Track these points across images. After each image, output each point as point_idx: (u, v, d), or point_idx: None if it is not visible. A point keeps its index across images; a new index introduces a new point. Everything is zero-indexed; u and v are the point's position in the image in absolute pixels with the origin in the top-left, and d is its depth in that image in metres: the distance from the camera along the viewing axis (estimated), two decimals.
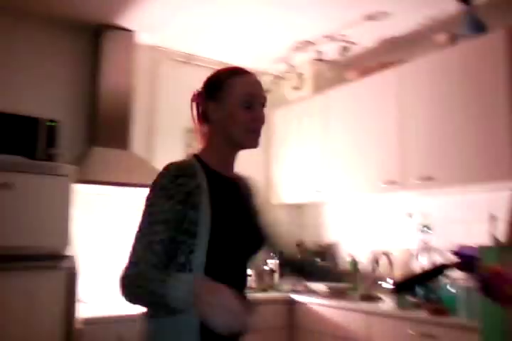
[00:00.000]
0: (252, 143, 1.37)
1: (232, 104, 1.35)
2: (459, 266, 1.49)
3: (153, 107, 3.52)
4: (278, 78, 3.97)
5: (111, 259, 3.12)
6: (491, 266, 1.41)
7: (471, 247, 1.54)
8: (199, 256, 1.24)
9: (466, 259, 1.49)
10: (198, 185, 1.28)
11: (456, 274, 1.64)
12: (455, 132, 2.61)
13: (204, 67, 3.74)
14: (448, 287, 2.48)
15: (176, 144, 3.58)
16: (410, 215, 3.13)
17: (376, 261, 3.14)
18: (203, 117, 1.43)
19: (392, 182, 2.90)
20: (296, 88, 3.80)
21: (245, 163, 3.94)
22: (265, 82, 3.81)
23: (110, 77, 3.12)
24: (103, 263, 3.10)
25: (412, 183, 2.79)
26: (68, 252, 2.35)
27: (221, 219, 1.27)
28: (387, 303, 2.62)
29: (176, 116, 3.59)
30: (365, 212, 3.51)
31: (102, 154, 2.92)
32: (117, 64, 3.16)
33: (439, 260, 2.70)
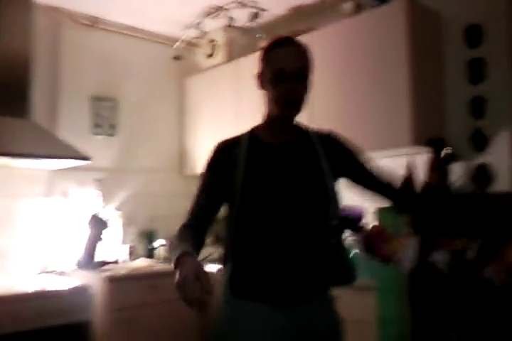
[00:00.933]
0: (287, 114, 1.45)
1: (267, 79, 1.44)
2: (344, 225, 1.54)
3: (56, 73, 3.31)
4: (190, 45, 3.87)
5: (6, 235, 2.97)
6: (373, 226, 1.47)
7: (355, 208, 1.59)
8: (229, 221, 1.44)
9: (351, 219, 1.54)
10: (235, 158, 1.44)
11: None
12: (360, 100, 2.67)
13: (112, 31, 3.56)
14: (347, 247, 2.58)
15: (83, 113, 3.41)
16: None
17: None
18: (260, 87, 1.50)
19: None
20: (209, 55, 3.72)
21: (159, 132, 3.90)
22: (177, 48, 3.72)
23: (5, 40, 2.87)
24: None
25: None
26: None
27: (252, 185, 1.39)
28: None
29: (82, 83, 3.42)
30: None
31: None
32: (12, 26, 2.90)
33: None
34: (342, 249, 1.49)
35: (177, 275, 1.17)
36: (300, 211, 1.41)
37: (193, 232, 1.41)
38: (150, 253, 3.38)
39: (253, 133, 1.52)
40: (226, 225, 1.45)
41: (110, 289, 2.69)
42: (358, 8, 2.81)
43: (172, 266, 1.23)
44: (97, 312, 2.66)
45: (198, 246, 1.39)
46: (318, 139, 1.52)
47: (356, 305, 2.27)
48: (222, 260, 1.47)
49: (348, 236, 1.62)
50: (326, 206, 1.42)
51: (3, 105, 2.81)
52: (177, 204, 2.98)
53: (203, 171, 1.52)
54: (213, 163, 1.50)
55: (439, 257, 1.39)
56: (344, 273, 1.47)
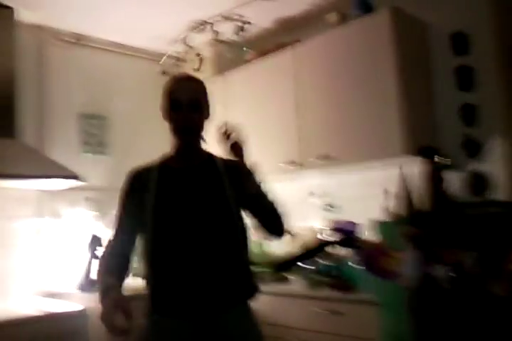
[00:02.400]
0: (185, 139, 1.63)
1: (166, 110, 1.65)
2: (339, 242, 1.53)
3: (43, 92, 3.27)
4: (178, 60, 3.85)
5: (2, 255, 2.92)
6: (371, 241, 1.46)
7: (349, 223, 1.58)
8: (144, 242, 1.56)
9: (346, 235, 1.53)
10: (147, 183, 1.59)
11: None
12: (349, 111, 2.67)
13: (97, 48, 3.54)
14: (350, 263, 2.54)
15: (71, 131, 3.37)
16: (312, 194, 3.18)
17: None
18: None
19: (292, 162, 2.93)
20: (197, 70, 3.71)
21: (151, 149, 3.84)
22: (164, 64, 3.70)
23: None
24: None
25: (310, 162, 2.83)
26: None
27: (162, 206, 1.54)
28: (296, 283, 2.64)
29: (70, 101, 3.39)
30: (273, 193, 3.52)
31: None
32: None
33: (325, 238, 2.77)
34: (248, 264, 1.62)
35: (101, 310, 1.34)
36: (206, 229, 1.55)
37: (117, 260, 1.56)
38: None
39: (163, 160, 1.68)
40: (143, 246, 1.57)
41: None
42: (343, 19, 2.81)
43: (98, 301, 1.39)
44: (96, 336, 2.60)
45: (121, 274, 1.54)
46: (224, 167, 1.67)
47: (358, 320, 2.24)
48: (144, 279, 1.59)
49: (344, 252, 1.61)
50: (231, 223, 1.58)
51: None
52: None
53: (120, 198, 1.65)
54: (128, 189, 1.64)
55: (439, 271, 1.38)
56: (249, 287, 1.61)
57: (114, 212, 3.58)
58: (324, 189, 3.12)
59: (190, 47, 3.56)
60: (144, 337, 1.54)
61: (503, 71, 2.46)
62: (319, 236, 2.64)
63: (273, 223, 1.67)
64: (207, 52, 3.62)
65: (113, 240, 1.60)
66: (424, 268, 1.41)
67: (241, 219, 1.62)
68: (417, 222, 1.67)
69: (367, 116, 2.58)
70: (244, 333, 1.55)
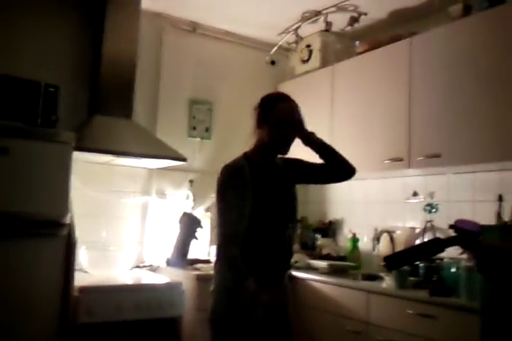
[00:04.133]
0: (283, 152, 1.98)
1: (271, 123, 1.91)
2: (456, 241, 1.44)
3: (157, 76, 3.45)
4: (286, 50, 3.88)
5: (108, 229, 3.12)
6: (491, 242, 1.37)
7: (471, 222, 1.48)
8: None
9: (465, 234, 1.44)
10: (244, 179, 1.84)
11: (459, 253, 1.59)
12: (466, 108, 2.53)
13: (209, 36, 3.65)
14: (450, 266, 2.44)
15: (180, 115, 3.52)
16: (416, 194, 3.08)
17: (377, 240, 3.10)
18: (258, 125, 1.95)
19: (398, 159, 2.84)
20: (305, 60, 3.71)
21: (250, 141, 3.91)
22: (273, 53, 3.74)
23: (113, 44, 3.04)
24: (101, 233, 3.10)
25: (419, 161, 2.73)
26: (66, 220, 2.33)
27: (259, 196, 1.83)
28: (388, 282, 2.58)
29: (181, 87, 3.54)
30: (371, 190, 3.46)
31: (102, 122, 2.87)
32: (121, 31, 3.07)
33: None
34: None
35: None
36: (286, 215, 1.95)
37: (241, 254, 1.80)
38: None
39: (247, 157, 1.94)
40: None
41: (199, 287, 2.73)
42: (467, 11, 2.67)
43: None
44: (186, 309, 2.72)
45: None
46: (282, 163, 2.05)
47: (453, 326, 2.15)
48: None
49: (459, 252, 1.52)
50: (295, 211, 2.00)
51: (109, 106, 2.97)
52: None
53: (224, 191, 1.86)
54: (231, 183, 1.85)
55: None
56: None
57: (212, 195, 3.71)
58: (428, 189, 3.00)
59: (301, 38, 3.57)
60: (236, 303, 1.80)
61: None
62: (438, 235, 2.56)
63: (344, 163, 2.02)
64: (316, 43, 3.60)
65: (234, 234, 1.81)
66: None
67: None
68: None
69: (485, 116, 2.43)
70: (288, 300, 1.99)
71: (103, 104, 2.96)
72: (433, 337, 2.21)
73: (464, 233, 1.46)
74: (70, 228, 2.34)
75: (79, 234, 2.41)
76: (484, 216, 2.48)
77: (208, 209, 3.46)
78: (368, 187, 3.47)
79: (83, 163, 2.87)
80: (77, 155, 2.46)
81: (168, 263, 3.13)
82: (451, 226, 1.51)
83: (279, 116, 1.90)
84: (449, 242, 1.47)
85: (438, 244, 1.51)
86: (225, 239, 1.84)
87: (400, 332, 2.36)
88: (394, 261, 1.60)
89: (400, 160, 2.83)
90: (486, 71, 2.45)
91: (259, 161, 1.95)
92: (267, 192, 1.88)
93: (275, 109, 1.91)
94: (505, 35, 2.38)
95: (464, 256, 1.68)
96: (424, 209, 2.96)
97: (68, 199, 2.35)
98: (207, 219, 3.41)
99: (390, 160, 2.88)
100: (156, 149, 2.89)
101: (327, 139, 2.09)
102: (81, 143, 2.50)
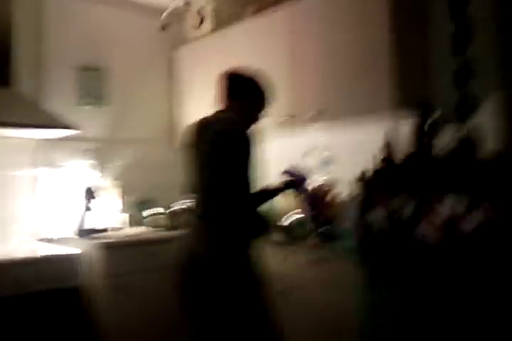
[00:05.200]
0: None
1: (258, 104, 2.22)
2: (289, 184, 1.60)
3: (40, 43, 3.26)
4: (179, 15, 3.83)
5: (3, 203, 2.99)
6: (317, 187, 1.54)
7: (299, 170, 1.66)
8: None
9: (296, 178, 1.61)
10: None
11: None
12: (342, 64, 2.67)
13: (98, 2, 3.51)
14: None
15: (69, 83, 3.38)
16: (311, 150, 3.21)
17: None
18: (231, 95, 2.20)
19: (291, 116, 2.94)
20: (197, 26, 3.69)
21: (149, 103, 3.87)
22: (164, 19, 3.68)
23: None
24: None
25: (308, 117, 2.84)
26: None
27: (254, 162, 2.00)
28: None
29: (68, 53, 3.39)
30: (273, 150, 3.56)
31: None
32: None
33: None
34: None
35: None
36: None
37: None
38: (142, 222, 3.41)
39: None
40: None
41: (104, 255, 2.73)
42: None
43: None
44: (93, 278, 2.70)
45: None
46: None
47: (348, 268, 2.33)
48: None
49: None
50: None
51: None
52: (171, 175, 3.03)
53: (247, 149, 1.98)
54: (250, 148, 1.98)
55: (377, 215, 1.43)
56: None
57: (115, 163, 3.61)
58: (323, 145, 3.13)
59: (188, 2, 3.53)
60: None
61: (497, 28, 2.46)
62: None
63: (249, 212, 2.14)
64: (207, 8, 3.59)
65: (247, 188, 1.95)
66: (363, 212, 1.46)
67: None
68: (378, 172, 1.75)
69: (359, 71, 2.58)
70: None
71: None
72: (327, 279, 2.39)
73: (295, 177, 1.65)
74: None
75: None
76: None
77: (116, 177, 3.41)
78: (271, 147, 3.56)
79: None
80: None
81: (74, 233, 3.07)
82: (284, 172, 1.71)
83: (265, 103, 2.21)
84: (283, 187, 1.66)
85: (271, 190, 1.71)
86: (241, 197, 1.96)
87: (299, 278, 2.51)
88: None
89: (293, 116, 2.94)
90: (356, 26, 2.60)
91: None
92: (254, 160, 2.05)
93: (266, 96, 2.21)
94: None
95: None
96: (321, 165, 3.10)
97: None
98: (115, 187, 3.37)
99: (284, 117, 2.97)
100: (40, 118, 2.77)
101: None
102: None
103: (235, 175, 1.95)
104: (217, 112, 2.21)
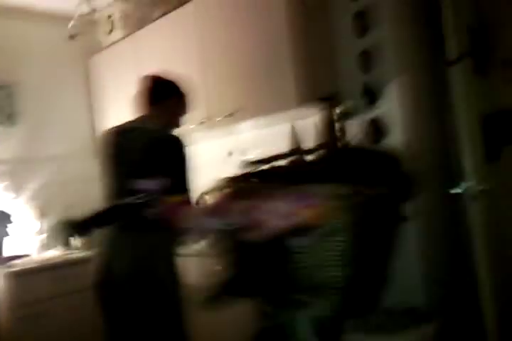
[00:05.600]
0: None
1: (180, 107, 2.21)
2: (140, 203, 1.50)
3: None
4: (90, 23, 3.68)
5: None
6: (170, 199, 1.44)
7: (152, 182, 1.55)
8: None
9: (148, 193, 1.51)
10: None
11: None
12: (248, 64, 2.58)
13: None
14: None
15: None
16: (230, 153, 3.12)
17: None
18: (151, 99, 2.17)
19: (201, 122, 2.85)
20: (109, 32, 3.56)
21: (67, 117, 3.70)
22: (74, 27, 3.52)
23: None
24: None
25: (217, 121, 2.75)
26: None
27: None
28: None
29: None
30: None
31: None
32: None
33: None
34: None
35: None
36: None
37: None
38: (68, 243, 3.26)
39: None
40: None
41: (14, 284, 2.60)
42: None
43: None
44: (2, 309, 2.56)
45: None
46: None
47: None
48: None
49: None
50: None
51: None
52: (95, 189, 2.87)
53: (185, 158, 2.02)
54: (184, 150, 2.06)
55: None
56: None
57: (32, 183, 3.42)
58: (240, 147, 3.06)
59: (94, 10, 3.39)
60: None
61: (396, 13, 2.40)
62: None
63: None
64: (116, 13, 3.47)
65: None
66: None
67: None
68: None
69: (264, 69, 2.50)
70: None
71: None
72: None
73: (146, 192, 1.53)
74: None
75: None
76: None
77: (32, 199, 3.27)
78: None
79: None
80: None
81: None
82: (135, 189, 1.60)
83: (187, 107, 2.21)
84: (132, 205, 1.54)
85: (120, 209, 1.58)
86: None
87: None
88: (80, 228, 1.70)
89: (202, 122, 2.84)
90: (256, 23, 2.52)
91: None
92: None
93: (186, 101, 2.20)
94: None
95: None
96: (241, 167, 3.02)
97: None
98: (30, 209, 3.22)
99: (196, 123, 2.87)
100: None
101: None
102: None
103: (175, 181, 1.89)
104: (139, 118, 2.17)
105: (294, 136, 2.43)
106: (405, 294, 2.14)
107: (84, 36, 3.61)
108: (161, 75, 2.22)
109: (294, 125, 2.49)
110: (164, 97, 2.16)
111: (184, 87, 2.21)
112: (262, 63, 2.51)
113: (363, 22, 2.47)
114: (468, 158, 2.13)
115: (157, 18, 3.18)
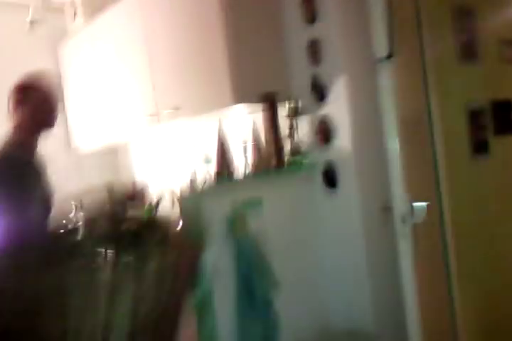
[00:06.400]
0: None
1: (33, 121, 1.99)
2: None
3: None
4: (55, 9, 3.55)
5: None
6: None
7: None
8: None
9: None
10: None
11: None
12: (189, 58, 2.40)
13: None
14: None
15: None
16: (195, 147, 3.00)
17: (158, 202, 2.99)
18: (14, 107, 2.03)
19: (150, 115, 2.71)
20: (72, 19, 3.42)
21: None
22: (34, 14, 3.40)
23: None
24: None
25: (165, 114, 2.60)
26: None
27: None
28: None
29: None
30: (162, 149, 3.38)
31: None
32: None
33: None
34: None
35: None
36: None
37: None
38: None
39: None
40: None
41: None
42: None
43: None
44: None
45: None
46: None
47: None
48: None
49: None
50: None
51: None
52: None
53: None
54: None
55: None
56: None
57: None
58: (200, 142, 2.93)
59: None
60: None
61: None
62: None
63: None
64: (77, 1, 3.32)
65: None
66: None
67: None
68: None
69: (203, 65, 2.31)
70: None
71: None
72: None
73: None
74: None
75: None
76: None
77: None
78: (159, 146, 3.37)
79: None
80: None
81: None
82: None
83: (52, 109, 2.02)
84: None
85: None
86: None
87: None
88: None
89: (151, 115, 2.70)
90: (192, 15, 2.35)
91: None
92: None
93: (46, 102, 2.00)
94: None
95: None
96: (204, 162, 2.89)
97: None
98: None
99: (146, 116, 2.74)
100: None
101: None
102: None
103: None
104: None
105: (221, 135, 2.27)
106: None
107: (47, 23, 3.49)
108: (24, 81, 2.02)
109: (222, 123, 2.31)
110: (22, 105, 1.97)
111: (47, 89, 2.01)
112: (199, 56, 2.33)
113: (311, 7, 2.24)
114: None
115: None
